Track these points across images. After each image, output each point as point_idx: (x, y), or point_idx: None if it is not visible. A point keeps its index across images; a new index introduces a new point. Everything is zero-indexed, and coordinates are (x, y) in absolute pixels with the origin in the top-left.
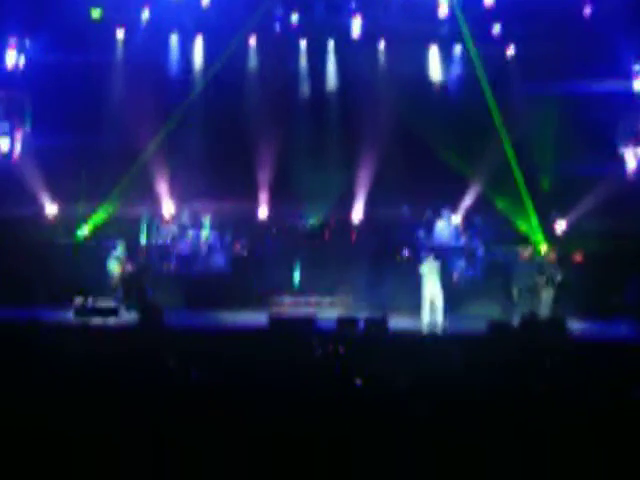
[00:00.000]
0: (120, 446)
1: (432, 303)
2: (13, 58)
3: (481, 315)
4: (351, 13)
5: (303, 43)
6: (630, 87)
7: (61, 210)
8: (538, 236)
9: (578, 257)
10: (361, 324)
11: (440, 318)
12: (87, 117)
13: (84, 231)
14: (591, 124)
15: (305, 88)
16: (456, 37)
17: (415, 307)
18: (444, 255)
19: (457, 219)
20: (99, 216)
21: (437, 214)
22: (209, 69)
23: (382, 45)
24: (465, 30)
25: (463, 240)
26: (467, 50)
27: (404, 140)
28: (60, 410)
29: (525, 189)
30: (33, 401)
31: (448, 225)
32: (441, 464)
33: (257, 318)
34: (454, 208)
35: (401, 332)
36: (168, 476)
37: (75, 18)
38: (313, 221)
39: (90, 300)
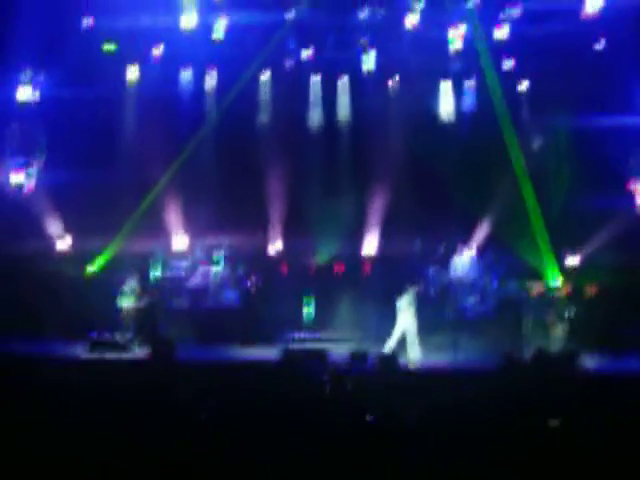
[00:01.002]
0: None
1: (408, 336)
2: (28, 92)
3: (493, 350)
4: (363, 48)
5: (315, 78)
6: None
7: (73, 244)
8: (550, 271)
9: (590, 292)
10: (372, 359)
11: (414, 352)
12: (100, 151)
13: (95, 265)
14: (603, 159)
15: (317, 123)
16: (469, 72)
17: (425, 343)
18: (455, 290)
19: (470, 254)
20: (111, 250)
21: (451, 249)
22: (221, 103)
23: (394, 80)
24: (485, 62)
25: (475, 275)
26: (482, 84)
27: (416, 175)
28: (69, 444)
29: (538, 224)
30: (43, 435)
31: (462, 260)
32: None
33: (268, 353)
34: (467, 243)
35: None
36: None
37: (87, 53)
38: (324, 256)
39: (103, 334)
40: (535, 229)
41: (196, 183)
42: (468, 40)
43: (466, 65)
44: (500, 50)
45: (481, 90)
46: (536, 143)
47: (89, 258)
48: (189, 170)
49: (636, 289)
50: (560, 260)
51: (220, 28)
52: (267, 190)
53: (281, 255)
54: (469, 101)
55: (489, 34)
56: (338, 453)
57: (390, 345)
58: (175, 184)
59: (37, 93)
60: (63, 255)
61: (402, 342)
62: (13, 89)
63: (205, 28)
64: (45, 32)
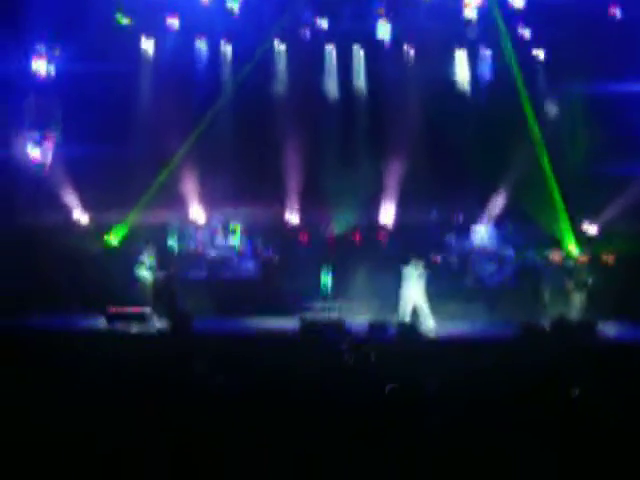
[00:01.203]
0: (146, 451)
1: (418, 308)
2: (43, 67)
3: (512, 318)
4: (378, 17)
5: (330, 48)
6: None
7: (91, 218)
8: (568, 239)
9: (609, 259)
10: (392, 329)
11: (432, 324)
12: (116, 125)
13: (114, 238)
14: (622, 125)
15: (333, 93)
16: (485, 40)
17: (444, 311)
18: (474, 259)
19: (488, 223)
20: (128, 223)
21: (469, 218)
22: (237, 75)
23: (410, 49)
24: (502, 29)
25: (494, 244)
26: (498, 52)
27: (433, 144)
28: (88, 417)
29: (556, 192)
30: (62, 407)
31: (480, 229)
32: (468, 467)
33: (287, 324)
34: (484, 212)
35: (433, 336)
36: None
37: (103, 26)
38: (342, 226)
39: (121, 307)
40: (553, 198)
41: (213, 154)
42: (484, 8)
43: (482, 33)
44: (516, 18)
45: (497, 58)
46: (552, 110)
47: (107, 231)
48: (206, 142)
49: None
50: (578, 228)
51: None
52: (284, 161)
53: (299, 226)
54: (485, 70)
55: (504, 1)
56: (357, 422)
57: (402, 317)
58: (192, 156)
59: (52, 67)
60: (81, 228)
61: (415, 313)
62: (29, 63)
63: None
64: (60, 5)
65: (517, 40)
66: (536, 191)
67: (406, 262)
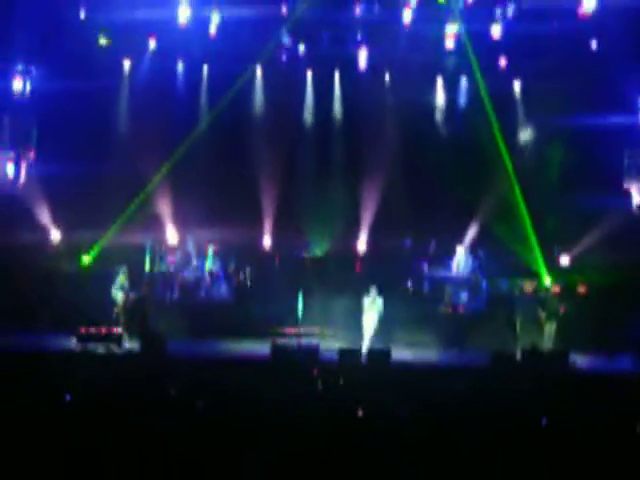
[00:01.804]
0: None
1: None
2: (19, 85)
3: (484, 346)
4: (357, 44)
5: (309, 73)
6: (636, 122)
7: (65, 237)
8: (541, 269)
9: (581, 290)
10: (363, 355)
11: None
12: (92, 145)
13: (88, 258)
14: (597, 158)
15: (310, 118)
16: (463, 69)
17: (419, 340)
18: (447, 287)
19: (461, 252)
20: (103, 243)
21: (443, 246)
22: (214, 97)
23: (388, 76)
24: (473, 62)
25: (467, 272)
26: (474, 83)
27: (409, 171)
28: (61, 435)
29: (529, 222)
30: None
31: (455, 257)
32: None
33: (259, 348)
34: (458, 241)
35: (404, 363)
36: None
37: (82, 46)
38: (317, 251)
39: (93, 328)
40: (526, 228)
41: (188, 176)
42: (464, 37)
43: (459, 63)
44: (494, 48)
45: (474, 88)
46: (527, 140)
47: (81, 250)
48: (182, 163)
49: (627, 288)
50: (552, 258)
51: (214, 22)
52: (260, 185)
53: (273, 249)
54: (462, 99)
55: (484, 32)
56: (329, 448)
57: (367, 344)
58: (167, 177)
59: (28, 85)
60: (55, 247)
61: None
62: (9, 82)
63: (199, 22)
64: (41, 25)
65: (495, 70)
66: (509, 220)
67: (367, 291)
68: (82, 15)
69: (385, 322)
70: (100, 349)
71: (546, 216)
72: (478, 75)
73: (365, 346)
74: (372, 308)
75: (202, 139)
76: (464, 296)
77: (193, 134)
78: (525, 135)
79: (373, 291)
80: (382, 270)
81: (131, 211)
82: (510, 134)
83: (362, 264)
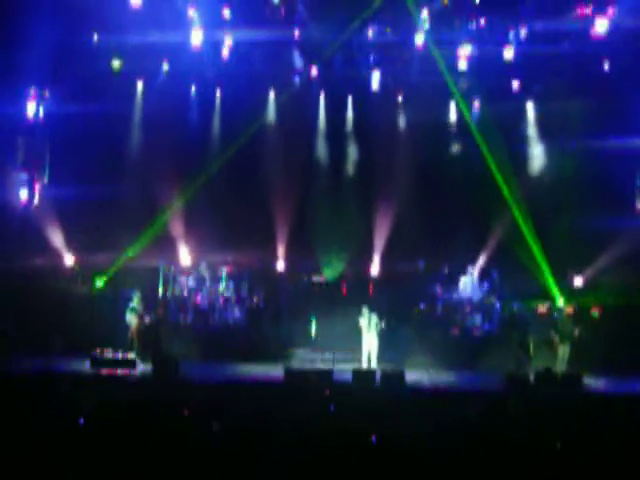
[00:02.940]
0: None
1: (369, 353)
2: (33, 109)
3: (497, 369)
4: (370, 67)
5: (322, 96)
6: None
7: (79, 260)
8: (555, 291)
9: (595, 312)
10: (377, 378)
11: (374, 365)
12: (105, 168)
13: (101, 282)
14: (610, 180)
15: (323, 141)
16: (475, 91)
17: (431, 361)
18: (461, 309)
19: (475, 274)
20: (117, 267)
21: (456, 269)
22: (228, 120)
23: (401, 99)
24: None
25: (480, 295)
26: (486, 104)
27: (422, 194)
28: (75, 459)
29: (543, 244)
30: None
31: (467, 280)
32: None
33: (273, 371)
34: (472, 263)
35: (418, 386)
36: None
37: (95, 69)
38: (330, 275)
39: (107, 352)
40: (539, 250)
41: (202, 200)
42: (475, 59)
43: (472, 85)
44: (507, 70)
45: (485, 110)
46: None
47: (95, 274)
48: (195, 187)
49: None
50: (565, 280)
51: (226, 45)
52: (274, 208)
53: (287, 273)
54: (474, 121)
55: (497, 54)
56: (342, 473)
57: (369, 365)
58: (181, 201)
59: (42, 108)
60: (68, 271)
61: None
62: (22, 105)
63: (211, 45)
64: (54, 48)
65: (507, 92)
66: (523, 242)
67: (361, 314)
68: (95, 38)
69: (398, 344)
70: (114, 372)
71: (560, 238)
72: (494, 97)
73: (366, 366)
74: (369, 329)
75: (215, 163)
76: (477, 318)
77: (206, 157)
78: (538, 157)
79: (366, 311)
80: (395, 293)
81: (145, 234)
82: (524, 156)
83: (375, 287)
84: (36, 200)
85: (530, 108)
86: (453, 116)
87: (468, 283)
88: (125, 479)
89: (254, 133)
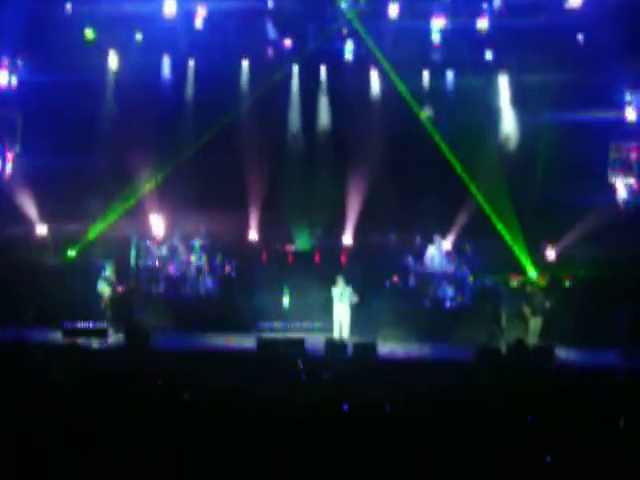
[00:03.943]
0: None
1: (340, 324)
2: (5, 78)
3: (470, 342)
4: (343, 38)
5: (296, 67)
6: (621, 116)
7: (51, 230)
8: (527, 264)
9: (567, 281)
10: (349, 348)
11: (346, 336)
12: (78, 138)
13: (73, 252)
14: (582, 153)
15: (297, 112)
16: (449, 63)
17: (402, 332)
18: (433, 281)
19: (447, 246)
20: (89, 237)
21: (428, 240)
22: (201, 90)
23: (374, 71)
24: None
25: (452, 267)
26: (460, 77)
27: (394, 166)
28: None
29: (514, 217)
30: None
31: (438, 252)
32: None
33: (245, 341)
34: (444, 235)
35: (390, 357)
36: None
37: (68, 39)
38: (303, 245)
39: (78, 322)
40: (511, 222)
41: (174, 170)
42: (448, 31)
43: (445, 56)
44: (481, 41)
45: (459, 81)
46: (513, 135)
47: (67, 244)
48: (167, 157)
49: (612, 283)
50: (538, 253)
51: (200, 16)
52: (246, 178)
53: (259, 243)
54: (446, 91)
55: (471, 26)
56: (314, 442)
57: (342, 335)
58: (153, 171)
59: (14, 78)
60: (40, 240)
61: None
62: None
63: (185, 16)
64: (26, 18)
65: (481, 64)
66: (495, 215)
67: (334, 283)
68: (68, 8)
69: (370, 316)
70: (86, 342)
71: (532, 211)
72: (467, 68)
73: (337, 337)
74: (342, 298)
75: (188, 133)
76: (450, 290)
77: (179, 127)
78: (510, 129)
79: (340, 280)
80: (368, 265)
81: (117, 204)
82: (496, 128)
83: (348, 258)
84: (8, 170)
85: (504, 80)
86: (426, 87)
87: (440, 254)
88: (97, 448)
89: (227, 103)
